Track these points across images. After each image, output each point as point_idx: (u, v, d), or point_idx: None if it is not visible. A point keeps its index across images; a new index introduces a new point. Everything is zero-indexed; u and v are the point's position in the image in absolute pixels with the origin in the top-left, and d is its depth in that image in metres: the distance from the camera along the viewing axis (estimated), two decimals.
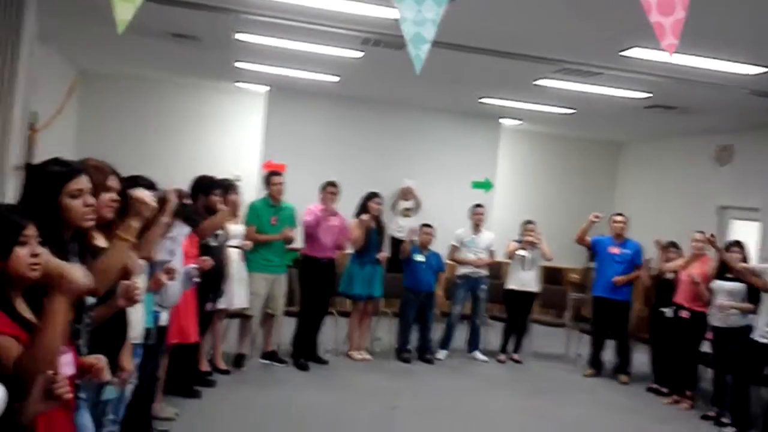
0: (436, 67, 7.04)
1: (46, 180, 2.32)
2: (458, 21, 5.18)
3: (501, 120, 10.45)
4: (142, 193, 2.55)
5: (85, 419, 2.45)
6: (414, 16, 2.12)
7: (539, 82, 7.33)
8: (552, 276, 10.44)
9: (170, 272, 3.68)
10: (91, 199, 2.37)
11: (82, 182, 2.36)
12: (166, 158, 9.49)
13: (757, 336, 5.65)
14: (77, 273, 1.98)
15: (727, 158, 9.28)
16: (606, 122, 9.65)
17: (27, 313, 1.99)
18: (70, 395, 1.96)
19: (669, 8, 2.26)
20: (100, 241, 2.82)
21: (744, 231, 8.57)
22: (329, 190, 6.78)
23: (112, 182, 2.82)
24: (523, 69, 6.73)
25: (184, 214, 4.93)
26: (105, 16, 5.79)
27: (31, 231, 1.99)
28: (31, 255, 1.97)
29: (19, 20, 4.84)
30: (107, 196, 2.76)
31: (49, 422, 1.98)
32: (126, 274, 2.94)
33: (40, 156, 6.63)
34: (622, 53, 5.68)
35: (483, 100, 8.94)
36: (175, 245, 4.10)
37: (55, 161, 2.40)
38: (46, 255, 2.06)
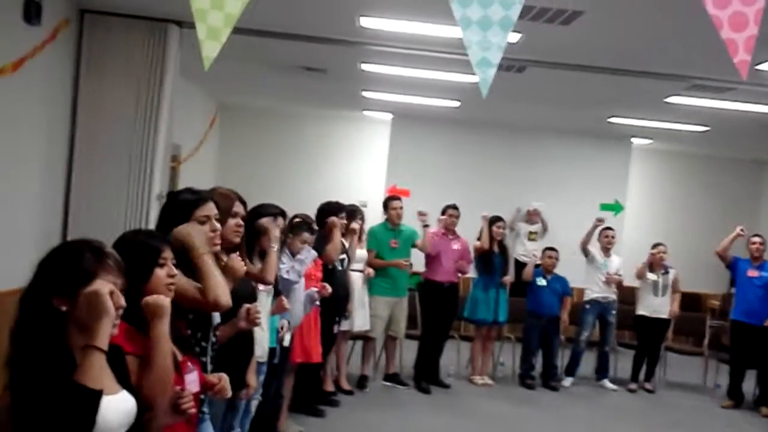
0: (563, 88, 6.97)
1: (178, 207, 2.55)
2: (585, 41, 5.13)
3: (633, 139, 10.12)
4: (234, 261, 2.73)
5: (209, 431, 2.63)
6: (480, 41, 2.15)
7: (670, 100, 7.07)
8: (689, 302, 9.91)
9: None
10: (216, 225, 2.57)
11: (209, 209, 2.56)
12: (298, 186, 9.91)
13: None
14: (164, 301, 2.12)
15: None
16: (743, 139, 9.10)
17: None
18: (194, 410, 2.13)
19: (741, 25, 2.17)
20: None
21: None
22: (450, 213, 6.87)
23: (238, 208, 3.03)
24: (653, 87, 6.52)
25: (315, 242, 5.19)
26: (241, 54, 6.27)
27: (168, 253, 2.20)
28: (168, 276, 2.17)
29: (163, 58, 5.27)
30: (233, 222, 2.96)
31: None
32: (251, 297, 3.14)
33: (183, 186, 7.12)
34: (757, 67, 5.39)
35: (612, 120, 8.71)
36: (302, 267, 4.30)
37: (187, 190, 2.63)
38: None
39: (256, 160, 10.44)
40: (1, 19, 4.11)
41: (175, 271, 2.23)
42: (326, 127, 10.73)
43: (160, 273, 2.17)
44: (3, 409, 1.82)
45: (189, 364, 2.28)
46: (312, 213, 5.50)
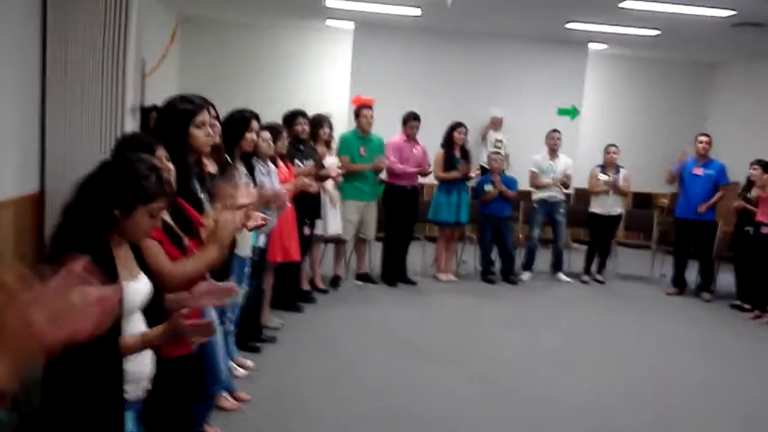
0: None
1: (178, 114, 2.80)
2: None
3: (589, 45, 10.36)
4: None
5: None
6: None
7: (624, 5, 7.31)
8: (640, 200, 10.49)
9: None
10: (210, 131, 2.84)
11: (205, 115, 2.84)
12: (262, 97, 9.93)
13: None
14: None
15: None
16: (693, 43, 9.43)
17: (167, 217, 2.49)
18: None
19: None
20: (211, 167, 3.33)
21: None
22: (411, 125, 7.13)
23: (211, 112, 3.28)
24: None
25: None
26: None
27: (160, 151, 2.46)
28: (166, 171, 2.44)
29: None
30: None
31: None
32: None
33: (150, 100, 7.24)
34: None
35: (569, 26, 8.93)
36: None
37: (182, 98, 2.88)
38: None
39: (218, 73, 10.44)
40: None
41: (170, 167, 2.49)
42: (289, 38, 10.74)
43: None
44: None
45: (195, 251, 2.58)
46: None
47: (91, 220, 1.99)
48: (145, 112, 6.42)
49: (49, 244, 2.04)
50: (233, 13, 9.97)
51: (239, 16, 10.18)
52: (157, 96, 7.98)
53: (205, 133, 2.82)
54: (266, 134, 4.71)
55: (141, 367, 2.16)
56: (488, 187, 7.56)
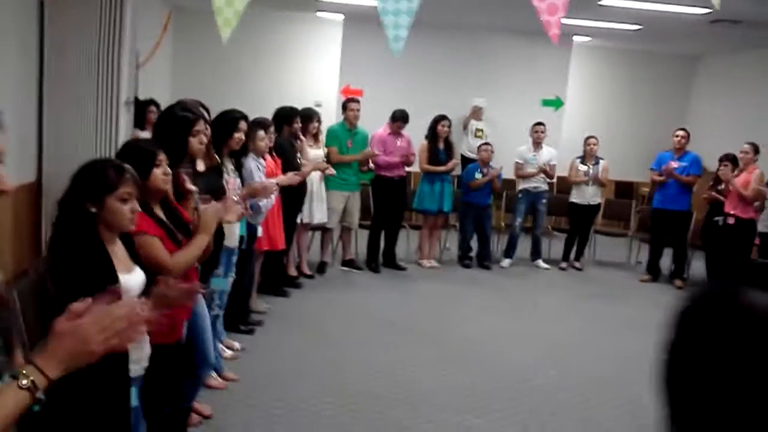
0: None
1: (178, 123, 3.10)
2: None
3: (573, 37, 10.57)
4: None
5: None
6: (394, 23, 2.91)
7: (603, 2, 7.55)
8: (622, 190, 10.77)
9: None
10: (205, 139, 3.14)
11: (201, 125, 3.13)
12: (253, 88, 10.21)
13: None
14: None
15: None
16: (674, 37, 9.66)
17: (163, 216, 2.77)
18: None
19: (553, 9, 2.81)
20: (201, 165, 3.60)
21: None
22: (399, 124, 7.39)
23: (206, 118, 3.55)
24: None
25: (276, 145, 5.64)
26: None
27: (162, 156, 2.75)
28: (163, 174, 2.74)
29: None
30: None
31: None
32: (220, 192, 3.69)
33: (143, 91, 7.44)
34: None
35: None
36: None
37: (181, 107, 3.16)
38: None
39: (209, 63, 10.59)
40: None
41: (169, 170, 2.78)
42: (279, 29, 10.89)
43: (157, 172, 2.73)
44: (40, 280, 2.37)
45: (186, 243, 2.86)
46: (268, 115, 5.92)
47: (74, 222, 2.24)
48: (141, 105, 6.63)
49: (48, 255, 2.29)
50: None
51: None
52: (150, 87, 8.23)
53: (199, 141, 3.12)
54: (262, 133, 4.95)
55: (141, 348, 2.44)
56: (478, 175, 7.83)
